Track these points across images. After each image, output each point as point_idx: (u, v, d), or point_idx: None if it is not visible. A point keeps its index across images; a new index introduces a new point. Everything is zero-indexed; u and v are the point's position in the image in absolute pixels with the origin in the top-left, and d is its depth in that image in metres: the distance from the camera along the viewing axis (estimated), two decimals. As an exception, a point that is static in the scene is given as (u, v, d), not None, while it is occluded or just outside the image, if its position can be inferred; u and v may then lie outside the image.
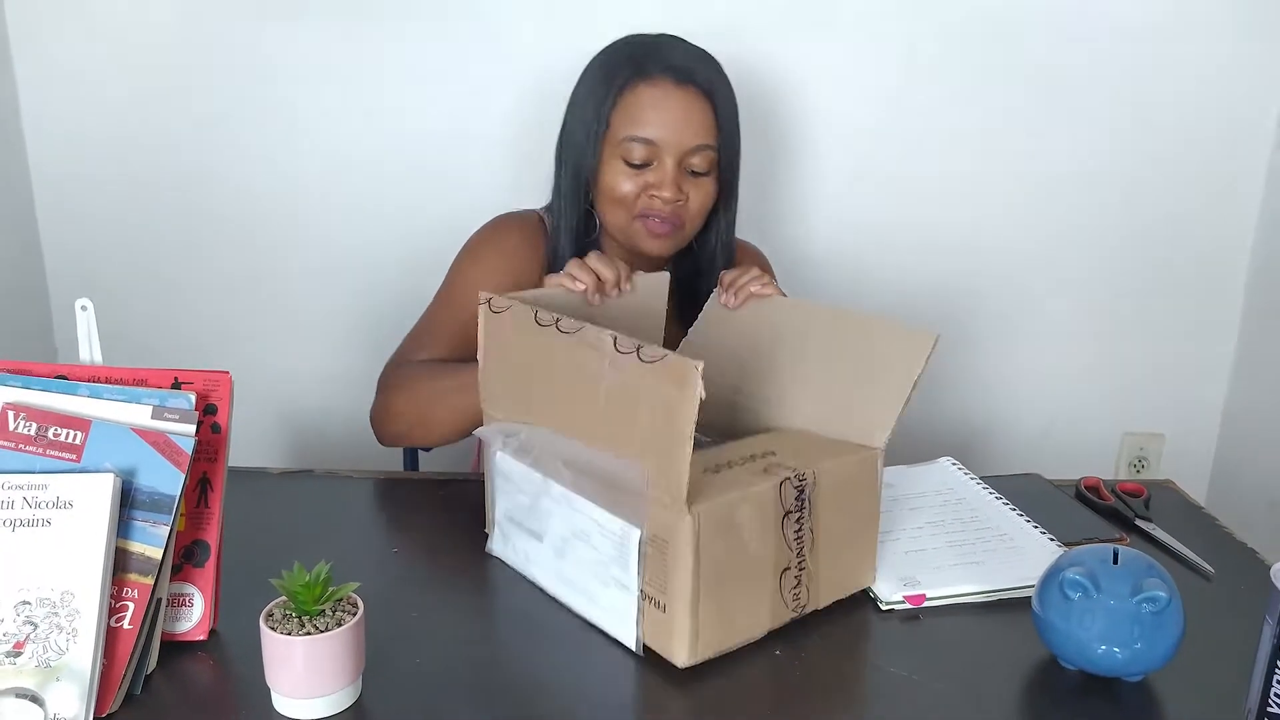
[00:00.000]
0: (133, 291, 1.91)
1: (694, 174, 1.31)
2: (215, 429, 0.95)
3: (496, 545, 1.08)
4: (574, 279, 1.13)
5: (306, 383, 1.94)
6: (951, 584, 1.03)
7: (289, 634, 0.81)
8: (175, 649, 0.92)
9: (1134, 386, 2.02)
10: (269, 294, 1.91)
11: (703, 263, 1.40)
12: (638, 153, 1.29)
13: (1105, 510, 1.24)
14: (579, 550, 0.97)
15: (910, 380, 1.00)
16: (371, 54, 1.80)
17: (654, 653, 0.92)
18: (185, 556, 0.94)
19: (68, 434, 0.89)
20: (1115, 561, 0.91)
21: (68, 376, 0.93)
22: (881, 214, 1.89)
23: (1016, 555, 1.08)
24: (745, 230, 1.45)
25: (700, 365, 0.84)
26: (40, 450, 0.88)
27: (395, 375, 1.32)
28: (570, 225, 1.36)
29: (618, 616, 0.94)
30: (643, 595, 0.92)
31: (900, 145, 1.86)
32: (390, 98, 1.82)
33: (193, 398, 0.93)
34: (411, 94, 1.81)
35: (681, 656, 0.90)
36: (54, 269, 1.92)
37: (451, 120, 1.81)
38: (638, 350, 0.90)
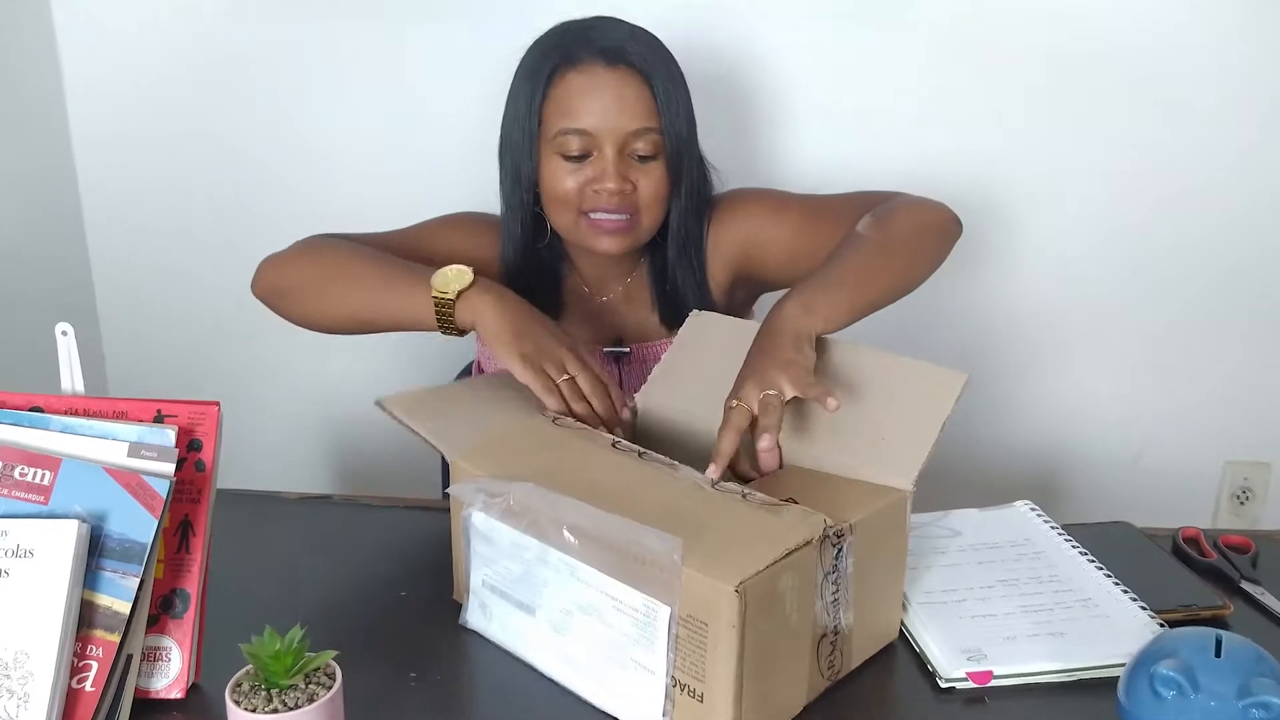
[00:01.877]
0: (167, 286, 1.87)
1: (641, 159, 1.21)
2: (199, 467, 0.87)
3: (473, 617, 0.95)
4: (549, 392, 1.03)
5: (338, 385, 1.88)
6: (1024, 660, 0.90)
7: (253, 710, 0.72)
8: (149, 708, 0.85)
9: (1237, 410, 1.84)
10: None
11: (672, 253, 1.29)
12: (574, 144, 1.19)
13: (1206, 569, 1.09)
14: (586, 627, 0.85)
15: (939, 421, 0.91)
16: (421, 54, 1.72)
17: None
18: (163, 607, 0.86)
19: (35, 473, 0.81)
20: (1218, 653, 0.77)
21: (43, 408, 0.86)
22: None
23: (1102, 627, 0.94)
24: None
25: (824, 521, 0.81)
26: (5, 491, 0.80)
27: (322, 242, 1.21)
28: (514, 233, 1.27)
29: (638, 704, 0.83)
30: (674, 682, 0.81)
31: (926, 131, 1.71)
32: (425, 97, 1.74)
33: (174, 433, 0.84)
34: (455, 94, 1.72)
35: None
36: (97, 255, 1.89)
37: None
38: (744, 495, 0.86)
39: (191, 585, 0.86)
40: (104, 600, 0.80)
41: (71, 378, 0.89)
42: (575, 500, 0.84)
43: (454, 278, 1.08)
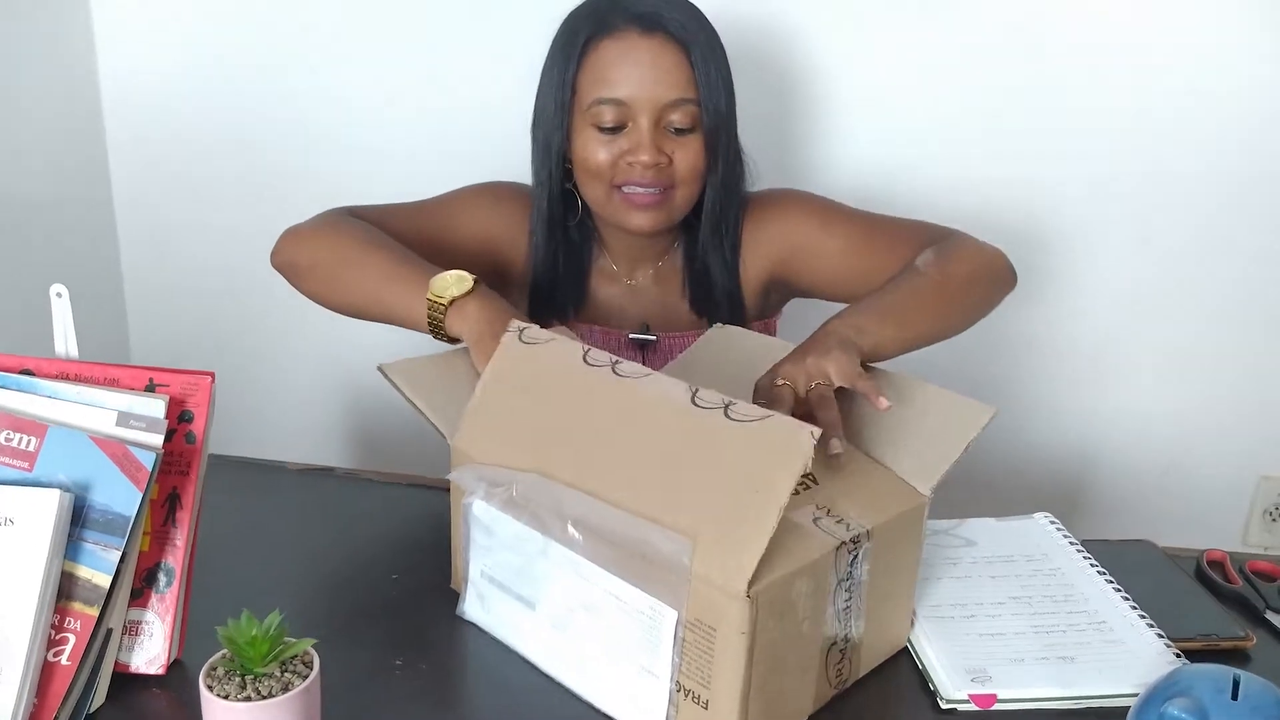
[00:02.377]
0: (196, 266, 1.86)
1: (677, 132, 1.17)
2: (190, 439, 0.84)
3: (470, 608, 0.92)
4: None
5: (364, 349, 1.85)
6: (1031, 684, 0.86)
7: (226, 697, 0.70)
8: (129, 683, 0.83)
9: (1273, 423, 1.77)
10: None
11: (705, 232, 1.25)
12: (608, 115, 1.15)
13: (1230, 596, 1.04)
14: (587, 625, 0.82)
15: (963, 443, 0.87)
16: (453, 27, 1.68)
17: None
18: (147, 580, 0.84)
19: (21, 439, 0.79)
20: (1235, 695, 0.73)
21: (34, 372, 0.84)
22: (932, 177, 1.68)
23: (1116, 654, 0.90)
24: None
25: (816, 432, 0.72)
26: (-11, 455, 0.79)
27: (344, 222, 1.17)
28: (543, 209, 1.23)
29: (639, 708, 0.80)
30: (678, 687, 0.78)
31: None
32: (455, 71, 1.70)
33: (164, 404, 0.82)
34: (488, 68, 1.69)
35: None
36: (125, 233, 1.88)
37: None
38: (725, 407, 0.77)
39: (177, 560, 0.84)
40: (84, 572, 0.78)
41: (65, 341, 0.87)
42: (580, 493, 0.81)
43: (453, 283, 1.04)
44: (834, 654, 0.83)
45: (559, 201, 1.24)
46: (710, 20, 1.19)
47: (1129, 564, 1.05)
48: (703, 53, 1.16)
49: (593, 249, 1.30)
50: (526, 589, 0.86)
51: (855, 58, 1.64)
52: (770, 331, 1.35)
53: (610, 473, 0.81)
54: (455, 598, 0.94)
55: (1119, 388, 1.76)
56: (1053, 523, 1.11)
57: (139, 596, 0.84)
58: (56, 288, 0.86)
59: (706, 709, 0.76)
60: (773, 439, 0.74)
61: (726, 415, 0.77)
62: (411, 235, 1.20)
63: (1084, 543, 1.08)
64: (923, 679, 0.88)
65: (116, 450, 0.79)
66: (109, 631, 0.80)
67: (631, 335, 1.29)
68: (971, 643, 0.91)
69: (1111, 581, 1.01)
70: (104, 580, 0.78)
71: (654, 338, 1.29)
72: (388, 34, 1.71)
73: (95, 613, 0.77)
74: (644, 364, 1.28)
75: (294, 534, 1.07)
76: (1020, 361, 1.76)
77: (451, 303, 1.03)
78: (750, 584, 0.72)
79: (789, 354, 0.97)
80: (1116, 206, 1.66)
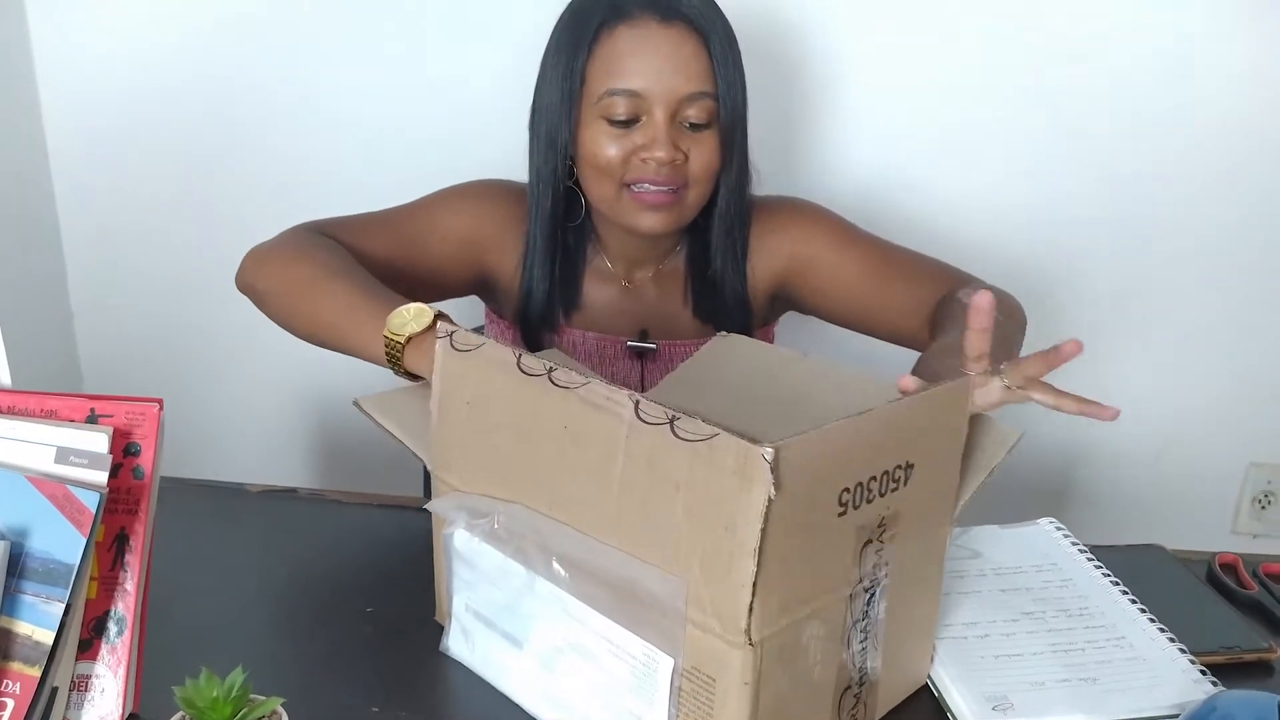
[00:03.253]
0: (149, 275, 1.77)
1: (692, 127, 1.10)
2: (137, 474, 0.77)
3: (454, 644, 0.85)
4: None
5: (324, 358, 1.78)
6: (1054, 710, 0.81)
7: (187, 769, 0.63)
8: (78, 744, 0.75)
9: (1264, 410, 1.75)
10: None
11: (717, 235, 1.18)
12: (621, 107, 1.08)
13: (1246, 602, 1.00)
14: (578, 667, 0.75)
15: (988, 467, 0.82)
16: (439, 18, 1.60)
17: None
18: (95, 630, 0.76)
19: (-52, 481, 0.71)
20: (1282, 725, 0.68)
21: (-39, 403, 0.76)
22: (935, 182, 1.64)
23: (1139, 672, 0.86)
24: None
25: (770, 453, 0.60)
26: (-88, 500, 0.71)
27: (308, 244, 1.08)
28: (544, 209, 1.15)
29: None
30: None
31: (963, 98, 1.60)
32: (439, 64, 1.62)
33: (108, 437, 0.74)
34: (474, 60, 1.61)
35: None
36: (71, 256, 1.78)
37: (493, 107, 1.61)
38: (671, 421, 0.66)
39: (128, 606, 0.77)
40: (24, 629, 0.70)
41: (-3, 369, 0.79)
42: (563, 526, 0.74)
43: (412, 318, 0.94)
44: (848, 699, 0.76)
45: (561, 201, 1.15)
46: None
47: (1139, 570, 1.01)
48: (721, 44, 1.09)
49: (588, 248, 1.22)
50: (513, 626, 0.79)
51: (859, 59, 1.58)
52: (768, 339, 1.30)
53: (581, 504, 0.73)
54: (433, 631, 0.88)
55: (1109, 377, 1.71)
56: (1059, 529, 1.07)
57: (88, 648, 0.76)
58: (-15, 311, 0.78)
59: None
60: (726, 464, 0.63)
61: (674, 433, 0.66)
62: (388, 247, 1.13)
63: (1093, 549, 1.03)
64: (939, 708, 0.83)
65: (56, 491, 0.71)
66: (54, 690, 0.72)
67: (630, 343, 1.21)
68: (989, 666, 0.86)
69: (1126, 592, 0.96)
70: (46, 636, 0.70)
71: (654, 346, 1.22)
72: (352, 32, 1.63)
73: (37, 673, 0.70)
74: (642, 373, 1.21)
75: (257, 564, 0.99)
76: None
77: (409, 340, 0.94)
78: (753, 629, 0.65)
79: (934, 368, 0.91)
80: (1108, 198, 1.63)
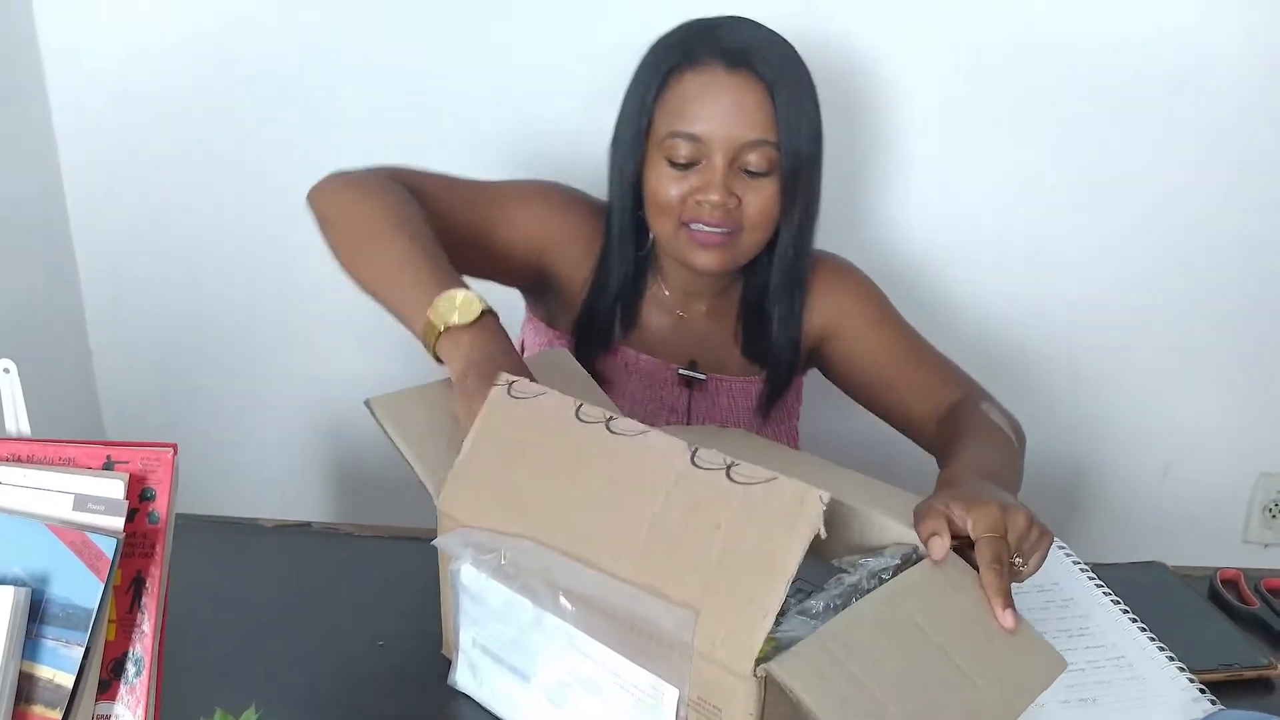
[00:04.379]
0: (164, 283, 1.79)
1: (750, 174, 1.11)
2: (153, 519, 0.79)
3: (462, 678, 0.87)
4: None
5: (341, 389, 1.80)
6: (1055, 732, 0.83)
7: (203, 809, 0.65)
8: (100, 783, 0.78)
9: (1273, 419, 1.74)
10: (300, 295, 1.77)
11: (776, 279, 1.20)
12: (683, 150, 1.10)
13: (1247, 618, 1.01)
14: (586, 702, 0.77)
15: (1028, 701, 0.75)
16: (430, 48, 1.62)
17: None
18: (114, 671, 0.79)
19: (-30, 530, 0.74)
20: (1275, 744, 0.69)
21: (-18, 453, 0.79)
22: (982, 220, 1.65)
23: (1138, 693, 0.87)
24: (821, 237, 1.24)
25: (825, 496, 0.68)
26: (-63, 550, 0.73)
27: (388, 188, 1.08)
28: (620, 232, 1.18)
29: None
30: None
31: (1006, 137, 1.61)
32: (435, 91, 1.64)
33: (123, 483, 0.77)
34: (464, 86, 1.63)
35: None
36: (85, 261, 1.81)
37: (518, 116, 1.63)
38: (728, 468, 0.72)
39: (145, 647, 0.79)
40: (45, 672, 0.73)
41: (16, 419, 0.81)
42: (573, 562, 0.76)
43: (459, 307, 0.95)
44: None
45: (631, 228, 1.19)
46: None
47: (1141, 589, 1.02)
48: (789, 94, 1.10)
49: (648, 274, 1.25)
50: (520, 661, 0.81)
51: (924, 115, 1.60)
52: (798, 389, 1.32)
53: (604, 539, 0.76)
54: (443, 664, 0.90)
55: (1116, 387, 1.73)
56: (1060, 547, 1.07)
57: (107, 689, 0.78)
58: (4, 363, 0.80)
59: None
60: (779, 503, 0.69)
61: (729, 477, 0.72)
62: (462, 220, 1.14)
63: (1094, 567, 1.04)
64: (940, 730, 0.84)
65: (75, 538, 0.73)
66: (75, 732, 0.75)
67: (681, 370, 1.24)
68: (988, 688, 0.87)
69: (1127, 611, 0.97)
70: (67, 680, 0.73)
71: (703, 377, 1.24)
72: (372, 32, 1.64)
73: (58, 715, 0.72)
74: (689, 402, 1.24)
75: (270, 599, 1.01)
76: (1015, 361, 1.72)
77: (448, 329, 0.95)
78: (759, 662, 0.67)
79: (965, 489, 0.87)
80: (1112, 203, 1.63)
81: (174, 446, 0.80)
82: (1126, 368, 1.72)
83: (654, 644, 0.71)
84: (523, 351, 1.33)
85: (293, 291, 1.77)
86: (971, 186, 1.64)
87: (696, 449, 0.74)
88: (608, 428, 0.79)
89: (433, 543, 0.85)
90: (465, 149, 1.55)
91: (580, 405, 0.81)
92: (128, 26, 1.67)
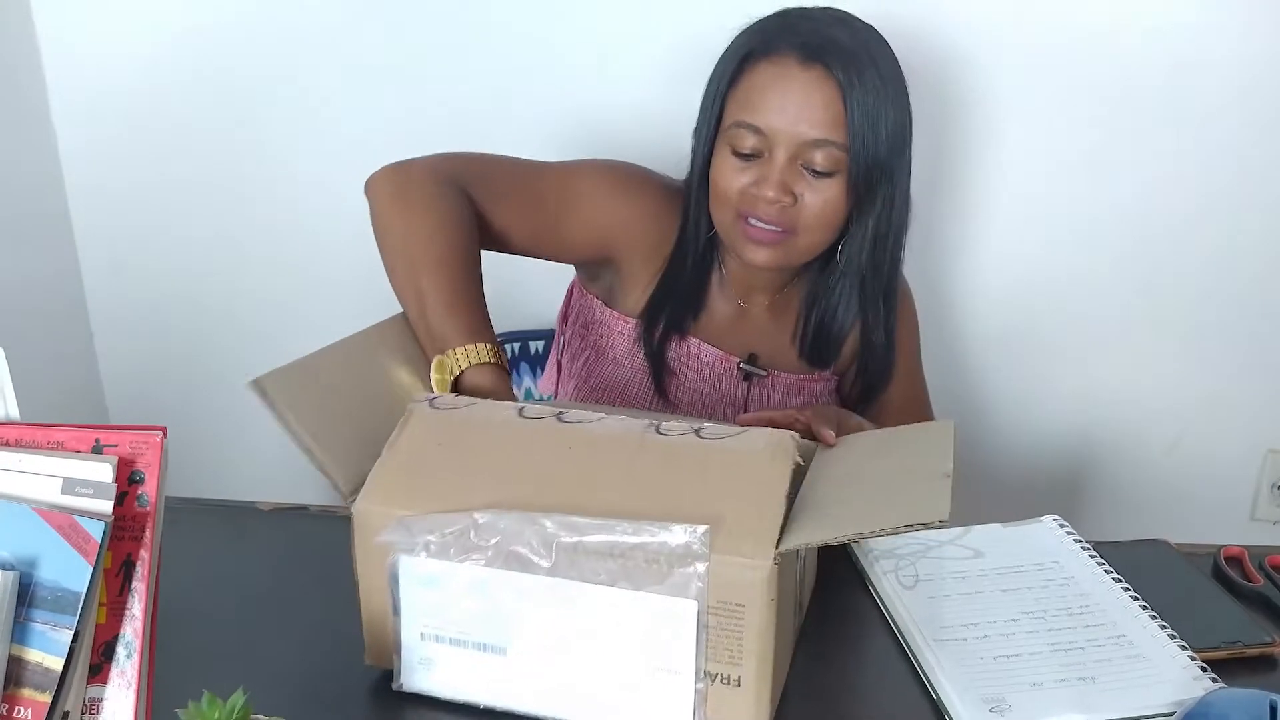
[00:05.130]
0: (164, 267, 1.79)
1: (816, 173, 1.08)
2: (142, 501, 0.78)
3: (411, 678, 0.83)
4: None
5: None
6: (1052, 710, 0.81)
7: (190, 792, 0.65)
8: (92, 767, 0.77)
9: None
10: (304, 290, 1.77)
11: (839, 284, 1.19)
12: (747, 141, 1.08)
13: (1251, 595, 1.00)
14: (585, 652, 0.78)
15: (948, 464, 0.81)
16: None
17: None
18: (105, 654, 0.78)
19: (-42, 515, 0.73)
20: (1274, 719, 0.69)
21: (-30, 437, 0.78)
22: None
23: (1139, 671, 0.86)
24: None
25: (796, 435, 0.79)
26: (-75, 534, 0.73)
27: (446, 198, 1.07)
28: (695, 217, 1.18)
29: (661, 708, 0.78)
30: (706, 675, 0.76)
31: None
32: (439, 89, 1.63)
33: (112, 467, 0.76)
34: (464, 86, 1.62)
35: None
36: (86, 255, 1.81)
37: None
38: (695, 431, 0.80)
39: (136, 630, 0.79)
40: (34, 655, 0.72)
41: (4, 403, 0.81)
42: (561, 515, 0.76)
43: (458, 360, 0.97)
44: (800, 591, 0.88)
45: (697, 216, 1.18)
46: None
47: (1143, 566, 1.01)
48: (864, 95, 1.05)
49: (714, 262, 1.23)
50: (493, 635, 0.80)
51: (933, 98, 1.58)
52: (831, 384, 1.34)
53: (584, 491, 0.77)
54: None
55: (1122, 365, 1.71)
56: (1062, 525, 1.07)
57: (98, 672, 0.78)
58: (-8, 347, 0.80)
59: (739, 686, 0.75)
60: (755, 446, 0.77)
61: (699, 437, 0.77)
62: (523, 220, 1.15)
63: (1095, 545, 1.03)
64: (937, 710, 0.84)
65: (63, 521, 0.73)
66: (65, 715, 0.74)
67: (742, 364, 1.23)
68: (987, 667, 0.86)
69: (1128, 589, 0.96)
70: (56, 664, 0.72)
71: (764, 372, 1.23)
72: (372, 31, 1.64)
73: (47, 699, 0.72)
74: (747, 395, 1.24)
75: (266, 584, 1.01)
76: (1022, 343, 1.71)
77: (457, 377, 0.97)
78: (774, 550, 0.73)
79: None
80: (1118, 189, 1.62)
81: (163, 430, 0.80)
82: (1133, 344, 1.71)
83: (663, 568, 0.73)
84: (565, 318, 1.32)
85: (293, 273, 1.78)
86: (981, 166, 1.63)
87: (660, 423, 0.78)
88: (558, 419, 0.81)
89: (377, 541, 0.82)
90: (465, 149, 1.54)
91: (523, 407, 0.82)
92: (125, 17, 1.67)
